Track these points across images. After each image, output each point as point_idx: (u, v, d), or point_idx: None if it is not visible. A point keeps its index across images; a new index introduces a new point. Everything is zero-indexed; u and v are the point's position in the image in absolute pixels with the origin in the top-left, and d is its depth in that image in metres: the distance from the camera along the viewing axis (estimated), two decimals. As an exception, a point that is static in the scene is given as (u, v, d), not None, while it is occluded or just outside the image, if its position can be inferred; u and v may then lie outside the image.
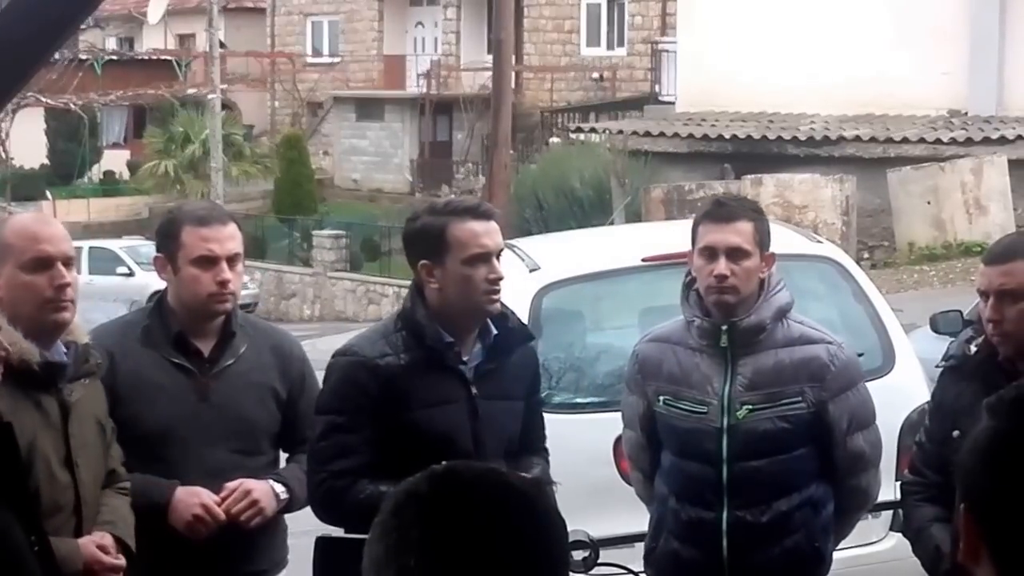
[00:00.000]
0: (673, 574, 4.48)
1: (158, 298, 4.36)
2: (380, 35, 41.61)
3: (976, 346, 4.05)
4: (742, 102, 25.03)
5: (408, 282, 4.26)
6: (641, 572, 4.52)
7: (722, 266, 4.27)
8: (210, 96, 33.36)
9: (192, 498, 4.14)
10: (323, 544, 2.42)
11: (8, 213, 29.57)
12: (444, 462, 1.88)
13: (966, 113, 23.65)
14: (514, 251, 6.49)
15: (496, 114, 22.77)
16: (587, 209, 22.36)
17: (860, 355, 4.88)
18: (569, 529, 1.93)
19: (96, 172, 42.12)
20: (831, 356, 4.37)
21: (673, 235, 6.05)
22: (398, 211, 33.52)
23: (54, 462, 3.72)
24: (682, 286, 4.48)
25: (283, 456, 4.53)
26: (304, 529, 3.74)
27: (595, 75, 36.47)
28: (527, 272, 6.41)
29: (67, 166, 40.64)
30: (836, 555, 4.55)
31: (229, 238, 4.24)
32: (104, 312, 9.25)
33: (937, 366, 4.31)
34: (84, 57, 38.66)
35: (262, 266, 30.38)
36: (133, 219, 37.55)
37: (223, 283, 4.19)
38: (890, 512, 5.65)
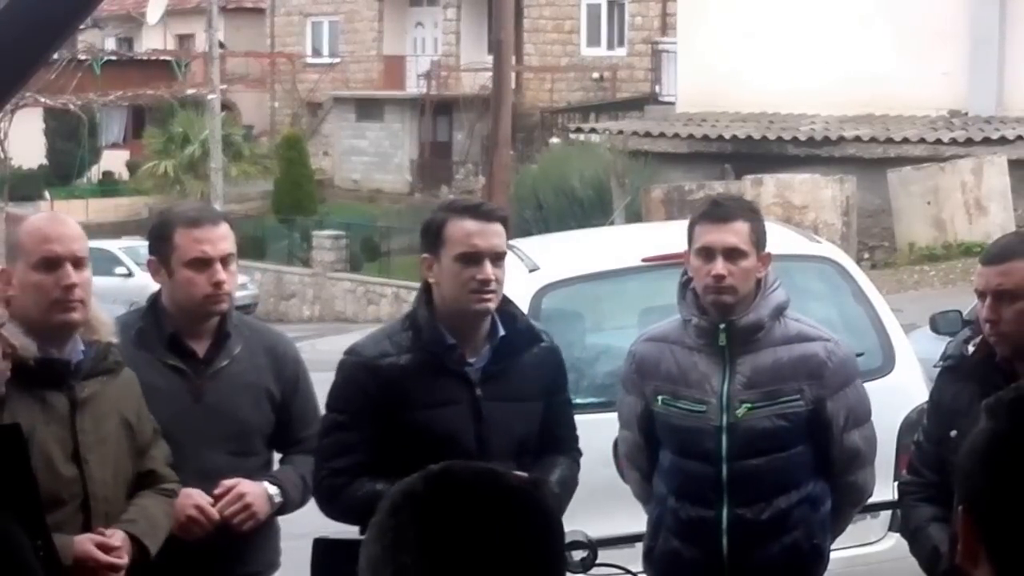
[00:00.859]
0: (673, 573, 4.49)
1: (152, 300, 4.36)
2: (380, 35, 41.57)
3: (974, 346, 4.05)
4: (742, 102, 25.01)
5: (408, 283, 4.26)
6: (640, 572, 4.52)
7: (719, 266, 4.28)
8: (209, 96, 33.32)
9: (186, 499, 4.14)
10: (320, 546, 2.43)
11: (6, 213, 29.62)
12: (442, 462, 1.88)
13: (966, 113, 23.65)
14: (514, 251, 6.48)
15: (496, 114, 22.72)
16: (587, 209, 22.34)
17: (860, 355, 4.89)
18: (567, 529, 1.93)
19: (95, 172, 42.05)
20: (828, 353, 4.38)
21: (673, 235, 6.03)
22: (398, 212, 33.57)
23: (57, 456, 3.72)
24: (678, 286, 4.48)
25: (276, 457, 4.54)
26: (301, 532, 3.72)
27: (595, 75, 36.43)
28: (527, 272, 6.41)
29: (66, 166, 40.57)
30: (835, 555, 4.56)
31: (222, 238, 4.24)
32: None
33: (935, 366, 4.31)
34: (83, 57, 38.54)
35: (262, 266, 30.36)
36: (132, 220, 37.44)
37: (218, 284, 4.20)
38: (889, 512, 5.66)
